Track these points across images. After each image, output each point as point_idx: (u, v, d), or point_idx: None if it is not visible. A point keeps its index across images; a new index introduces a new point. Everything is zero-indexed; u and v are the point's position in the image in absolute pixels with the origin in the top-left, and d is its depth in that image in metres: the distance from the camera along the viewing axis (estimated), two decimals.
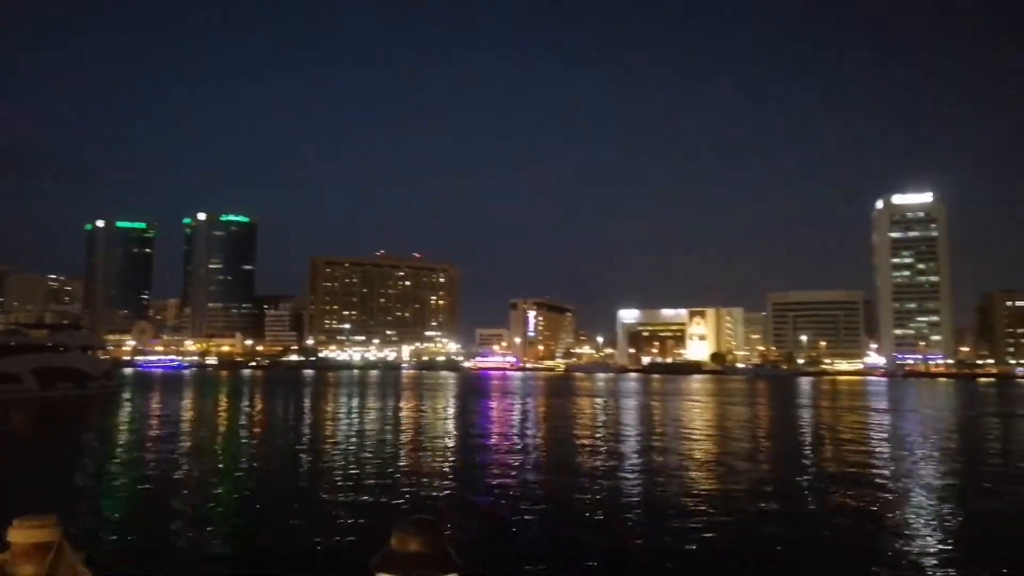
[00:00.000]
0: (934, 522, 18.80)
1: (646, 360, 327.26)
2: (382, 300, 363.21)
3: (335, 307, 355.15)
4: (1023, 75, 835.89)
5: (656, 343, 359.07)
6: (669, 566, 14.41)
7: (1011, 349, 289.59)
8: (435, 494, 21.96)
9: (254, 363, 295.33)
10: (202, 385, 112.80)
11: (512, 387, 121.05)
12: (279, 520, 18.17)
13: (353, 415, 55.16)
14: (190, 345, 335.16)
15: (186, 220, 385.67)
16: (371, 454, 31.58)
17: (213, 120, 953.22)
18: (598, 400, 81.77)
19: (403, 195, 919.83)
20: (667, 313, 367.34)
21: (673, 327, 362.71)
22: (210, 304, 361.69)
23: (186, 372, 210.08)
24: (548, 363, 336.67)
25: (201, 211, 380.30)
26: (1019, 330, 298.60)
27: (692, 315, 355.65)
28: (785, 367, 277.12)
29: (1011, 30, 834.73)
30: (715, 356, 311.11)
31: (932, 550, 15.86)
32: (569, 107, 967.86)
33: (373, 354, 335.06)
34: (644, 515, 19.19)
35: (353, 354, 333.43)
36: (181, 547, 15.81)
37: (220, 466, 28.64)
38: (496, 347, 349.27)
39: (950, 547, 16.24)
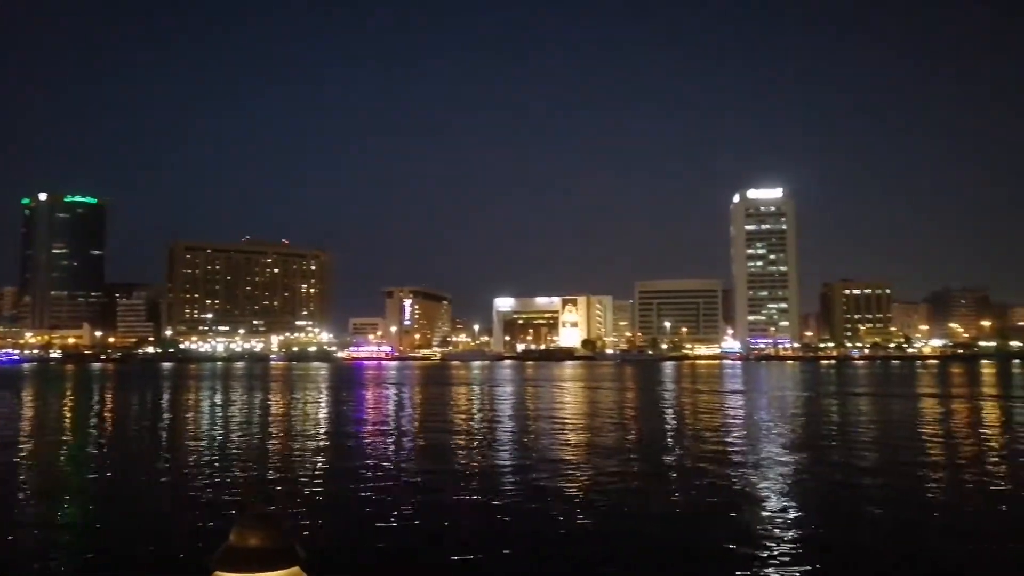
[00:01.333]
0: (783, 488, 20.27)
1: (521, 347, 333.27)
2: (248, 288, 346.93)
3: (196, 295, 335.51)
4: (869, 80, 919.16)
5: (530, 330, 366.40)
6: (546, 551, 14.61)
7: (848, 334, 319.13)
8: (305, 489, 21.18)
9: (104, 356, 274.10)
10: (43, 381, 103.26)
11: (388, 377, 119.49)
12: (128, 530, 16.86)
13: (217, 410, 52.32)
14: (30, 337, 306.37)
15: (25, 200, 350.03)
16: (238, 450, 30.05)
17: (58, 97, 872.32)
18: (475, 388, 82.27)
19: (271, 181, 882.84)
20: (541, 301, 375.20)
21: (547, 315, 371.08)
22: (53, 292, 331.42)
23: (24, 367, 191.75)
24: (424, 352, 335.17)
25: (42, 191, 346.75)
26: (855, 316, 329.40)
27: (565, 303, 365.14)
28: (650, 352, 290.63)
29: (862, 32, 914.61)
30: (586, 343, 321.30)
31: (780, 517, 17.04)
32: (443, 99, 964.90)
33: (239, 345, 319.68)
34: (522, 501, 19.38)
35: (216, 345, 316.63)
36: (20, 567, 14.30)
37: (62, 472, 26.27)
38: (371, 336, 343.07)
39: (799, 512, 17.55)
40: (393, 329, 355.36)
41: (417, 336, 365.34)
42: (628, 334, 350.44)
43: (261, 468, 25.18)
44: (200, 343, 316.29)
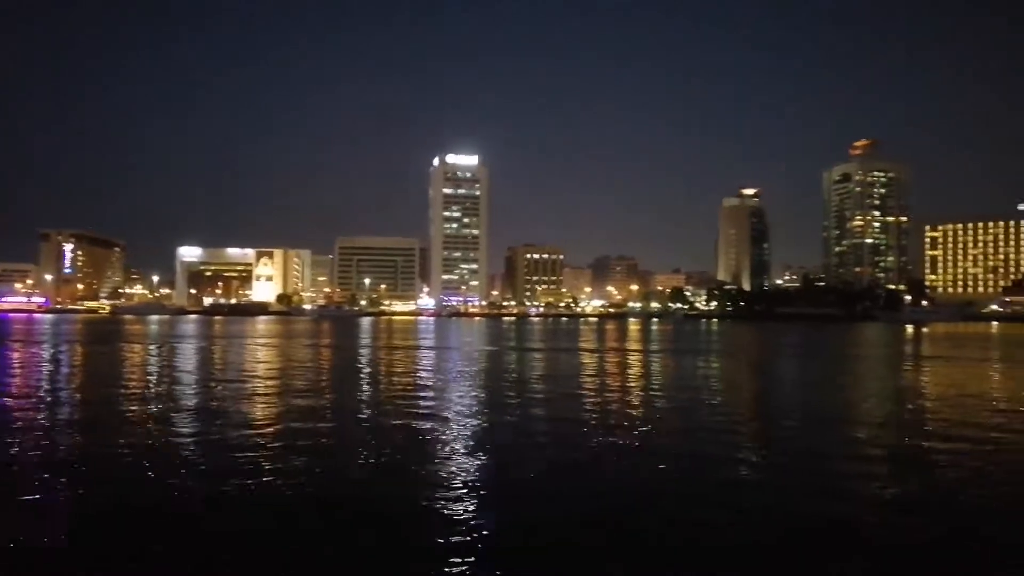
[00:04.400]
0: (468, 435, 22.19)
1: (208, 301, 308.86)
2: None
3: None
4: (561, 59, 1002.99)
5: (220, 283, 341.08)
6: (198, 514, 14.28)
7: (528, 293, 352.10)
8: None
9: None
10: None
11: (41, 333, 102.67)
12: None
13: None
14: None
15: None
16: None
17: None
18: (151, 346, 74.76)
19: None
20: (233, 253, 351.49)
21: (239, 267, 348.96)
22: None
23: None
24: (90, 304, 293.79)
25: None
26: (534, 278, 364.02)
27: (259, 256, 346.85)
28: (348, 308, 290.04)
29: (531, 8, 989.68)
30: (281, 297, 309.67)
31: (469, 464, 18.73)
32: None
33: None
34: (189, 466, 18.53)
35: None
36: None
37: None
38: (19, 285, 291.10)
39: (480, 456, 19.43)
40: (49, 277, 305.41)
41: (80, 286, 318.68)
42: (327, 289, 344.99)
43: None
44: None
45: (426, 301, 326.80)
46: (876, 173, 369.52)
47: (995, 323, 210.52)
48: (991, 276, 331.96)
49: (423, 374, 46.17)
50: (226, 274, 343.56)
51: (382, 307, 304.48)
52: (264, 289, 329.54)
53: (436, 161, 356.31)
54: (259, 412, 28.15)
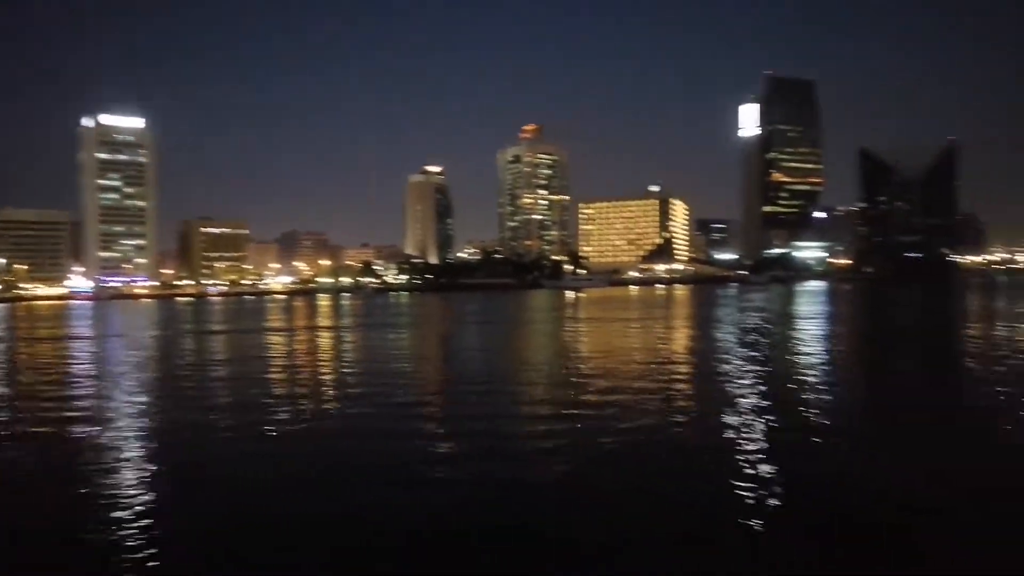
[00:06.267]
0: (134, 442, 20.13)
1: None
2: None
3: None
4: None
5: None
6: None
7: (206, 271, 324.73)
8: None
9: None
10: None
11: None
12: None
13: None
14: None
15: None
16: None
17: None
18: None
19: None
20: None
21: None
22: None
23: None
24: None
25: None
26: (213, 254, 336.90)
27: None
28: None
29: None
30: None
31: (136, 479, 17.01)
32: None
33: None
34: None
35: None
36: None
37: None
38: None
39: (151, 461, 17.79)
40: None
41: None
42: None
43: None
44: None
45: (79, 282, 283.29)
46: (542, 156, 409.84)
47: (634, 287, 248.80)
48: (632, 247, 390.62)
49: (79, 368, 40.39)
50: None
51: (17, 291, 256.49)
52: None
53: (88, 122, 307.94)
54: None
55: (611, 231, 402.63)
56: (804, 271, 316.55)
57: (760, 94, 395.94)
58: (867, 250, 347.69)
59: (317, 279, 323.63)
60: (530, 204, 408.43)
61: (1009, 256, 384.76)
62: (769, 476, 15.62)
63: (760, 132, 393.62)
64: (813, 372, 32.23)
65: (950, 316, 73.47)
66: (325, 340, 57.51)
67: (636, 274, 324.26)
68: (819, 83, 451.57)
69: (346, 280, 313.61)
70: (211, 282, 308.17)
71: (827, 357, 38.85)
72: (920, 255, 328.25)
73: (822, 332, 55.06)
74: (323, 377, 34.30)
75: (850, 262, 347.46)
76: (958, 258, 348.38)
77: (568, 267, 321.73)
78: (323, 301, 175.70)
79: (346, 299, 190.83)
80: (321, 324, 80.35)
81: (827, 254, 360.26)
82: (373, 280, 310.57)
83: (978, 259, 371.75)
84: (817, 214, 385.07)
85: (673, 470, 16.52)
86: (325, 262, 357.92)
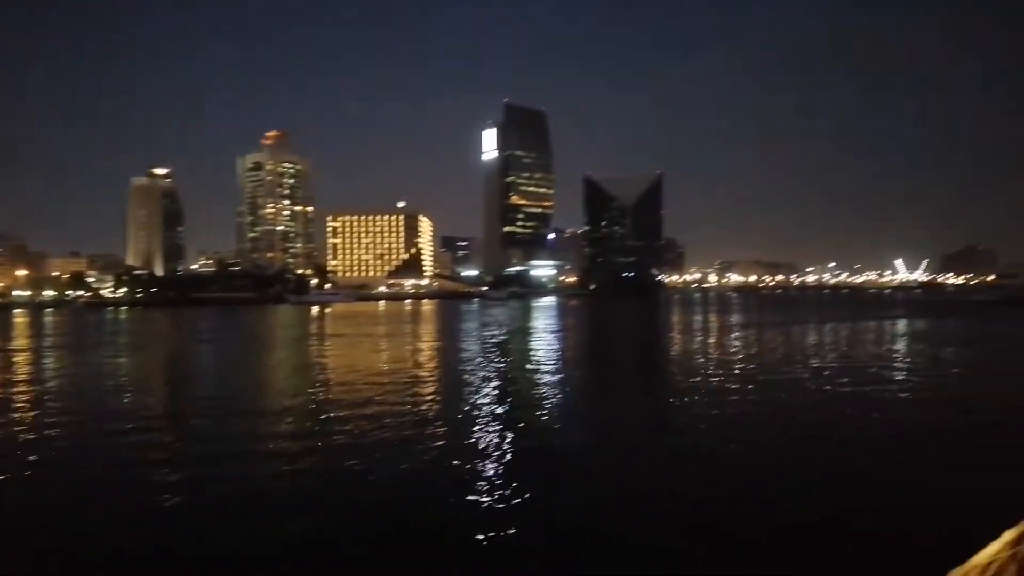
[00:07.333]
0: None
1: None
2: None
3: None
4: None
5: None
6: None
7: None
8: None
9: None
10: None
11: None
12: None
13: None
14: None
15: None
16: None
17: None
18: None
19: None
20: None
21: None
22: None
23: None
24: None
25: None
26: None
27: None
28: None
29: None
30: None
31: None
32: None
33: None
34: None
35: None
36: None
37: None
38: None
39: None
40: None
41: None
42: None
43: None
44: None
45: None
46: (286, 164, 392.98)
47: (382, 302, 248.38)
48: (379, 261, 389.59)
49: None
50: None
51: None
52: None
53: None
54: None
55: (358, 245, 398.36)
56: (539, 288, 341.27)
57: (499, 120, 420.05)
58: (591, 269, 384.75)
59: (13, 292, 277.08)
60: (272, 214, 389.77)
61: (702, 276, 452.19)
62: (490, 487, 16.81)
63: (498, 156, 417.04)
64: (544, 383, 35.06)
65: (655, 328, 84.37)
66: (20, 364, 49.57)
67: (384, 289, 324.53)
68: (553, 114, 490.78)
69: (51, 293, 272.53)
70: None
71: (557, 367, 42.49)
72: (633, 274, 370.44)
73: (554, 345, 59.96)
74: (17, 407, 29.60)
75: (577, 279, 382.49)
76: (663, 277, 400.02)
77: (314, 281, 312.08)
78: (20, 318, 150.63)
79: (49, 315, 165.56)
80: (14, 346, 68.98)
81: (557, 272, 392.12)
82: (85, 293, 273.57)
83: (678, 278, 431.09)
84: (550, 235, 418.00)
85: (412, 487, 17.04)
86: (23, 272, 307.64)
